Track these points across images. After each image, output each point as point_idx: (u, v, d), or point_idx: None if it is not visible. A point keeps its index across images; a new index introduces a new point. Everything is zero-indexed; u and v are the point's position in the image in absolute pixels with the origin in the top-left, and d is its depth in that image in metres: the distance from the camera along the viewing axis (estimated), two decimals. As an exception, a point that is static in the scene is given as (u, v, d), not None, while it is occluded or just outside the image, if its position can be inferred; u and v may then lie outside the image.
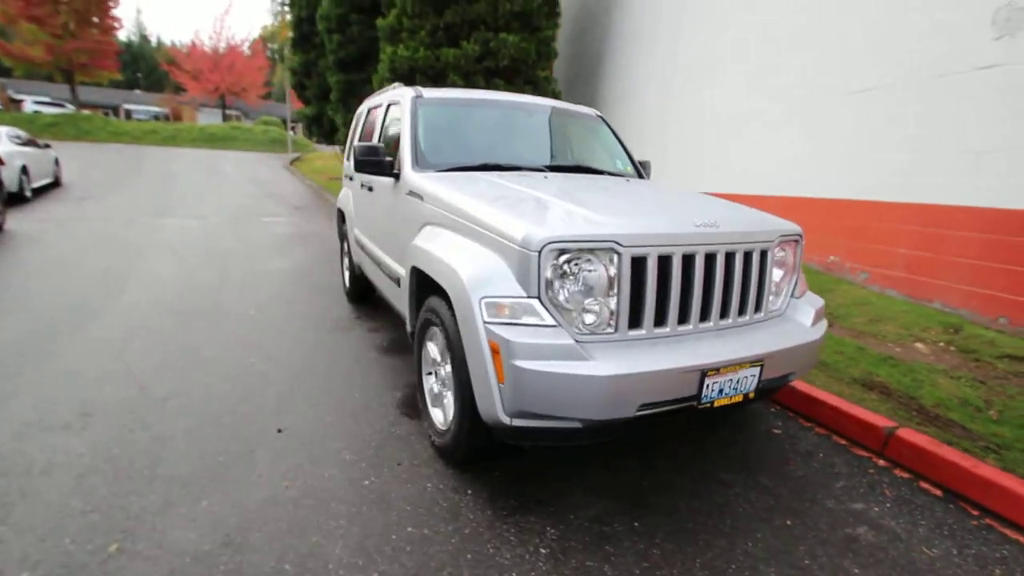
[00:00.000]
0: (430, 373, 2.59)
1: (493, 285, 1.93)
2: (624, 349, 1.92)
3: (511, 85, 10.59)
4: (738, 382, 2.05)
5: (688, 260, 2.04)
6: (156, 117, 34.85)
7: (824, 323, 2.45)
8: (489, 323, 1.88)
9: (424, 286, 2.55)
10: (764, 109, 6.39)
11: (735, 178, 6.69)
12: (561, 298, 1.92)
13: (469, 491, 2.17)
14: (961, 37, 4.28)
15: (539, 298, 1.90)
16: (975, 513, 2.15)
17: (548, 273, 1.89)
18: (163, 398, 2.86)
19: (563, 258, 1.90)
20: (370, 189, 3.63)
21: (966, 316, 4.23)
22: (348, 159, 4.57)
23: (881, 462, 2.51)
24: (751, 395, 2.12)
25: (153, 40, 52.60)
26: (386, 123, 3.71)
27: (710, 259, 2.09)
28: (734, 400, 2.08)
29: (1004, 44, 4.01)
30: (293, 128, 29.59)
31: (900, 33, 4.76)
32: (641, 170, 3.65)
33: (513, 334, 1.83)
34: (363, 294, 4.72)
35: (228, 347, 3.61)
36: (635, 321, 1.99)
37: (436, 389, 2.49)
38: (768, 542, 1.94)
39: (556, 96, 11.22)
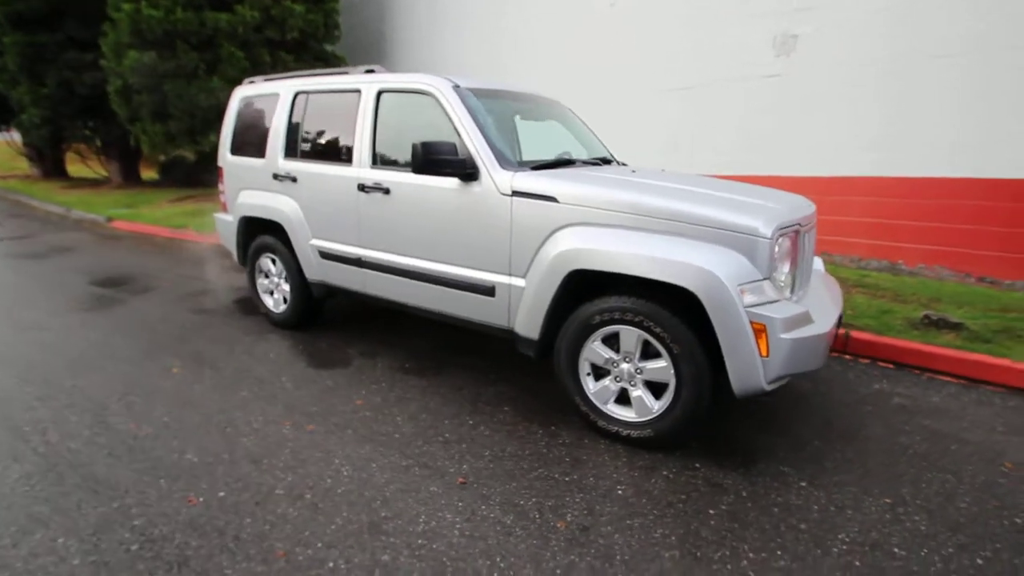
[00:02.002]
0: (589, 373, 2.58)
1: (737, 273, 2.15)
2: (803, 308, 2.40)
3: (299, 61, 9.50)
4: (838, 322, 2.77)
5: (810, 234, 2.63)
6: None
7: (823, 269, 3.39)
8: (748, 307, 2.11)
9: (573, 290, 2.51)
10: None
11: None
12: (775, 275, 2.27)
13: (697, 464, 2.36)
14: (754, 53, 5.94)
15: (769, 278, 2.21)
16: (917, 372, 3.41)
17: (775, 255, 2.22)
18: (256, 501, 2.06)
19: (778, 241, 2.25)
20: (386, 192, 3.09)
21: (779, 252, 6.07)
22: (282, 156, 3.66)
23: (848, 356, 3.65)
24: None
25: None
26: (381, 116, 3.19)
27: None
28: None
29: (782, 60, 5.77)
30: None
31: (710, 45, 6.26)
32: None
33: (773, 312, 2.12)
34: (312, 316, 3.94)
35: (220, 432, 2.68)
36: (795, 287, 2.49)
37: (613, 387, 2.52)
38: (882, 426, 2.74)
39: (349, 76, 10.47)
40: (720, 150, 6.33)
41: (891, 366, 3.51)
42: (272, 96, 3.84)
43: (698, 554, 1.85)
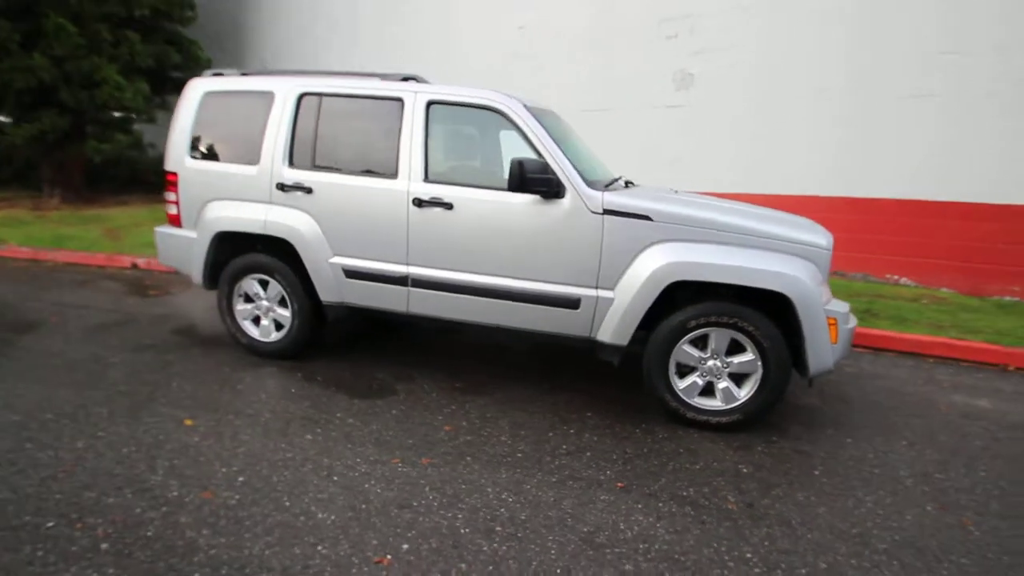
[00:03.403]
0: (676, 372, 2.88)
1: (813, 278, 2.67)
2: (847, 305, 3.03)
3: (148, 43, 8.09)
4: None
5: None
6: None
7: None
8: (824, 306, 2.64)
9: (687, 295, 2.81)
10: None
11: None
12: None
13: (775, 438, 2.82)
14: (658, 85, 6.87)
15: (826, 282, 2.78)
16: (864, 352, 4.43)
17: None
18: None
19: (829, 252, 2.84)
20: (448, 207, 2.97)
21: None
22: (286, 164, 3.22)
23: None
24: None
25: None
26: (433, 129, 3.06)
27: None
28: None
29: (682, 94, 6.79)
30: None
31: (620, 76, 7.04)
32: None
33: (838, 308, 2.69)
34: (315, 342, 3.54)
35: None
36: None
37: (701, 382, 2.85)
38: (855, 389, 3.55)
39: (208, 64, 9.17)
40: (630, 168, 7.16)
41: (820, 344, 4.50)
42: (260, 94, 3.33)
43: (837, 505, 2.29)
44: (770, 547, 2.02)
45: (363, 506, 2.13)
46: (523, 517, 2.11)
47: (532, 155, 2.91)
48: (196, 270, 3.54)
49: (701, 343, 2.84)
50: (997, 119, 5.50)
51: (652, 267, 2.76)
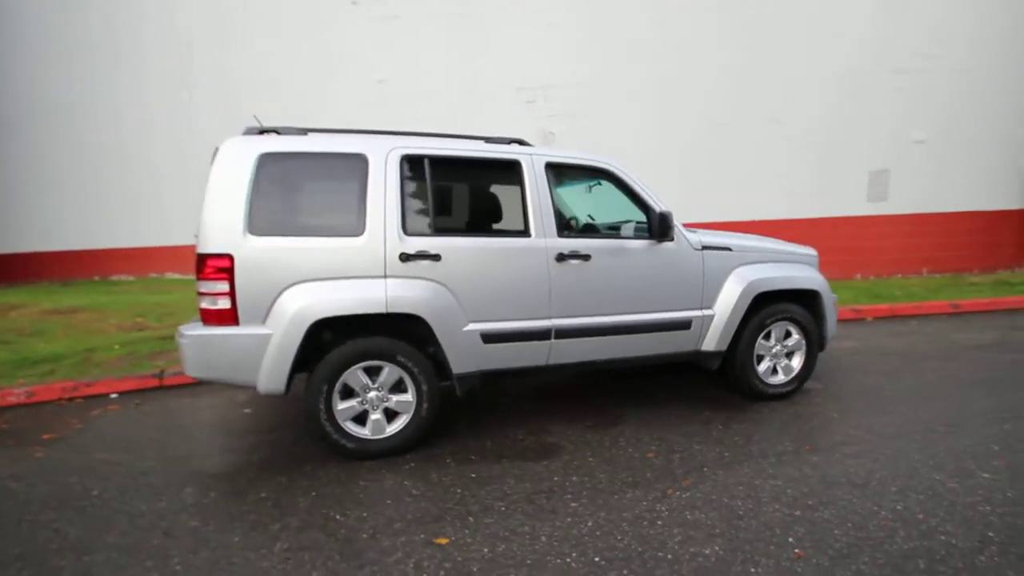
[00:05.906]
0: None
1: (821, 277, 3.89)
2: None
3: None
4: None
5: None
6: None
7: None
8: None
9: (758, 303, 3.66)
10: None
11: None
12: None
13: (815, 391, 3.92)
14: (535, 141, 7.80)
15: (815, 276, 4.07)
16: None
17: (813, 267, 4.09)
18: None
19: (811, 259, 4.13)
20: (585, 258, 3.17)
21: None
22: (402, 232, 2.87)
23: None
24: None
25: None
26: (555, 186, 3.28)
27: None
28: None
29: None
30: None
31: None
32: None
33: (832, 294, 3.98)
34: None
35: None
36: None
37: (771, 365, 3.76)
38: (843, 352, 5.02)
39: None
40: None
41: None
42: (347, 157, 2.92)
43: (911, 415, 3.45)
44: (922, 449, 3.01)
45: (717, 530, 2.30)
46: (805, 490, 2.61)
47: (637, 207, 3.44)
48: (273, 373, 2.77)
49: (766, 336, 3.78)
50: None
51: (743, 285, 3.58)
